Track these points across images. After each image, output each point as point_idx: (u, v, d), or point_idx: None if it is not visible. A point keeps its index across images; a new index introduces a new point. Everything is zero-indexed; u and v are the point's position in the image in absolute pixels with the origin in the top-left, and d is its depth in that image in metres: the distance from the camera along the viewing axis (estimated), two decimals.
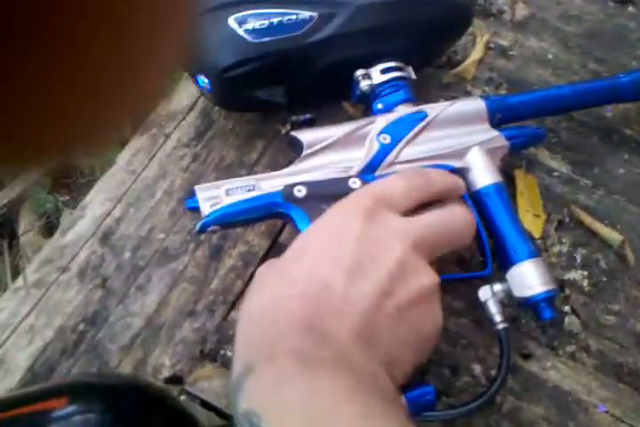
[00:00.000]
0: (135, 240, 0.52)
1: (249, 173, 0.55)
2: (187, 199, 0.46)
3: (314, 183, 0.47)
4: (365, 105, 0.55)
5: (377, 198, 0.42)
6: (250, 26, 0.49)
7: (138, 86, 0.18)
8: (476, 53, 0.65)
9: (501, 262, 0.49)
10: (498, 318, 0.46)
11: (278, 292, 0.39)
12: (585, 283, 0.53)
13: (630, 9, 0.70)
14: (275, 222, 0.53)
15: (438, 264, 0.43)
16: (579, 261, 0.54)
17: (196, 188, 0.46)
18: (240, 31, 0.49)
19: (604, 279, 0.53)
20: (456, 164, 0.50)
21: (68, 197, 1.08)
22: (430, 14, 0.55)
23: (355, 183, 0.47)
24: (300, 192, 0.46)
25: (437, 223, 0.43)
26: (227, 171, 0.55)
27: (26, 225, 1.08)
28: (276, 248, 0.53)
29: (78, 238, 0.51)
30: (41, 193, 1.06)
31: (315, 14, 0.51)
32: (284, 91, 0.53)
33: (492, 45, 0.66)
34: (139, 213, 0.53)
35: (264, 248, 0.52)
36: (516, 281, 0.47)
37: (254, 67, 0.50)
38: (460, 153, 0.50)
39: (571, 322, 0.51)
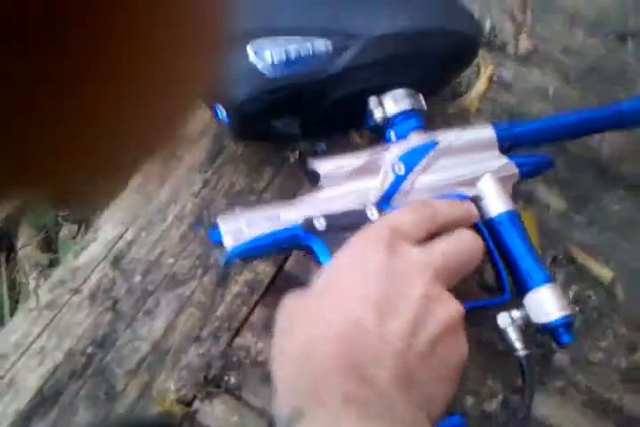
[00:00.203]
0: (145, 264, 0.53)
1: (258, 200, 0.56)
2: (210, 232, 0.48)
3: (332, 215, 0.48)
4: (378, 133, 0.56)
5: (393, 230, 0.43)
6: (268, 59, 0.50)
7: (163, 102, 0.18)
8: (480, 86, 0.66)
9: (517, 289, 0.50)
10: (518, 344, 0.47)
11: (312, 333, 0.39)
12: (576, 319, 0.55)
13: (630, 44, 0.72)
14: None
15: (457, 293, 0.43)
16: (571, 297, 0.56)
17: (219, 219, 0.47)
18: (258, 65, 0.50)
19: (595, 316, 0.55)
20: (470, 192, 0.51)
21: (67, 213, 1.08)
22: (439, 45, 0.56)
23: (372, 214, 0.48)
24: (320, 224, 0.47)
25: (451, 250, 0.44)
26: (236, 197, 0.56)
27: (24, 239, 1.08)
28: (281, 276, 0.54)
29: (90, 261, 0.53)
30: (40, 207, 1.06)
31: (329, 47, 0.52)
32: (298, 123, 0.54)
33: (495, 79, 0.68)
34: (150, 236, 0.54)
35: (269, 276, 0.54)
36: (533, 307, 0.48)
37: (271, 100, 0.51)
38: (473, 181, 0.52)
39: (560, 358, 0.53)
